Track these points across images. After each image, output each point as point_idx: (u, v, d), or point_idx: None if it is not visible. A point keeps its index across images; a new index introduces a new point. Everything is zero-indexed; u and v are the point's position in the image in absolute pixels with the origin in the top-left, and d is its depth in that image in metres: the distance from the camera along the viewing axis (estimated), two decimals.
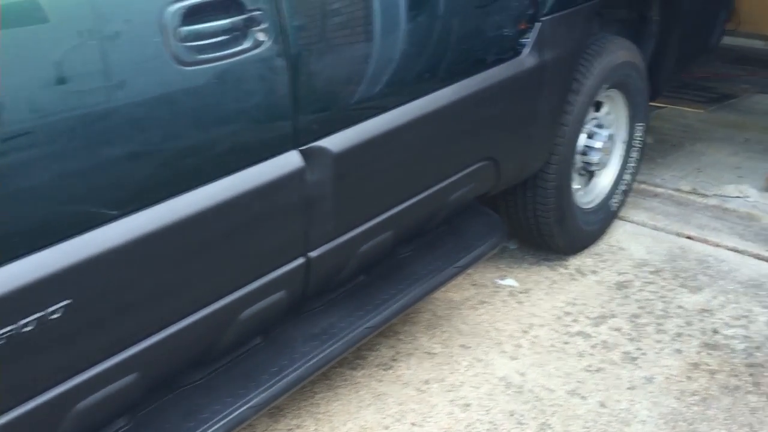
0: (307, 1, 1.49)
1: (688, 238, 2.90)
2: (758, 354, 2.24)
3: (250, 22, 1.40)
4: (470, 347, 2.33)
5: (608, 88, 2.61)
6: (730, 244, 2.84)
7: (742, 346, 2.28)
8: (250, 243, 1.51)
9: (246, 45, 1.40)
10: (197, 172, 1.39)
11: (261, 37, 1.42)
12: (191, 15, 1.31)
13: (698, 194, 3.24)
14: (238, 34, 1.39)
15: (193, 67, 1.32)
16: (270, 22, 1.42)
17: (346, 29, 1.59)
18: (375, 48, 1.65)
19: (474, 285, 2.66)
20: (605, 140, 2.65)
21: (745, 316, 2.42)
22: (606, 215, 2.85)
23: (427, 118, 1.81)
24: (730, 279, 2.62)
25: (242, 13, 1.39)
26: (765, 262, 2.72)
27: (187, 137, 1.35)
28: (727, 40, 5.97)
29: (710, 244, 2.85)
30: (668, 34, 2.85)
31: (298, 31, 1.48)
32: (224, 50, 1.36)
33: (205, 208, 1.39)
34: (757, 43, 5.95)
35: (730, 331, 2.35)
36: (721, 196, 3.20)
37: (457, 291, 2.61)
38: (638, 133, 2.85)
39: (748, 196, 3.17)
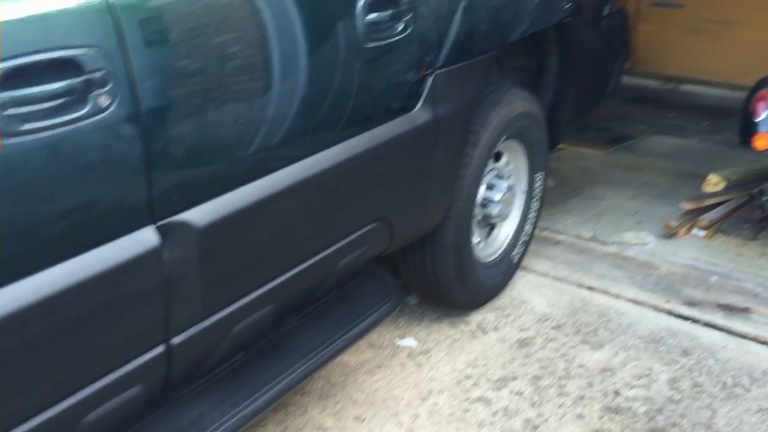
0: (163, 59, 1.31)
1: (589, 288, 2.85)
2: (659, 417, 2.17)
3: (90, 85, 1.20)
4: (365, 419, 2.16)
5: (507, 139, 2.54)
6: (630, 295, 2.80)
7: (643, 408, 2.21)
8: (94, 335, 1.29)
9: (85, 110, 1.20)
10: (25, 258, 1.17)
11: (104, 100, 1.22)
12: (12, 79, 1.10)
13: (598, 241, 3.21)
14: (75, 98, 1.19)
15: (15, 139, 1.11)
16: (116, 83, 1.23)
17: (210, 88, 1.41)
18: (246, 108, 1.48)
19: (371, 346, 2.50)
20: (505, 192, 2.57)
21: (646, 375, 2.36)
22: (508, 267, 2.76)
23: (308, 182, 1.65)
24: (630, 334, 2.57)
25: (80, 75, 1.19)
26: (663, 314, 2.70)
27: (11, 218, 1.13)
28: (624, 80, 6.14)
29: (611, 296, 2.81)
30: (566, 82, 2.82)
31: (151, 92, 1.29)
32: (56, 118, 1.16)
33: (35, 299, 1.18)
34: (652, 83, 6.15)
35: (631, 392, 2.28)
36: (621, 243, 3.19)
37: (354, 354, 2.45)
38: (538, 183, 2.78)
39: (646, 243, 3.17)
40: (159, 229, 1.36)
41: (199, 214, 1.42)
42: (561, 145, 4.27)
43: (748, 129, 3.01)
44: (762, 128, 2.96)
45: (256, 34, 1.49)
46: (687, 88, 5.96)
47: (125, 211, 1.30)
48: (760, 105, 2.99)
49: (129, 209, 1.31)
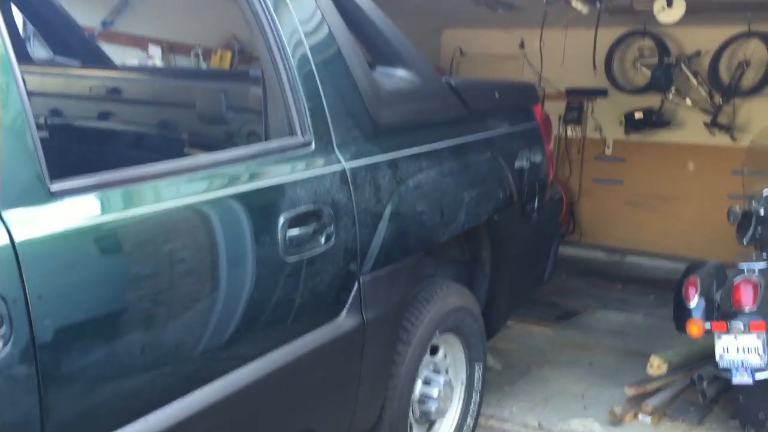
0: (64, 299, 1.31)
1: None
2: None
3: None
4: None
5: (442, 333, 2.54)
6: None
7: None
8: None
9: None
10: None
11: None
12: None
13: (544, 430, 3.14)
14: None
15: None
16: (10, 325, 1.22)
17: (115, 321, 1.40)
18: (154, 335, 1.47)
19: None
20: (443, 386, 2.53)
21: None
22: None
23: (222, 404, 1.61)
24: None
25: None
26: None
27: None
28: (572, 252, 6.34)
29: None
30: (500, 274, 2.88)
31: (51, 331, 1.27)
32: None
33: None
34: (599, 254, 6.35)
35: None
36: (567, 431, 3.12)
37: None
38: (478, 374, 2.76)
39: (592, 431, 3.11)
40: None
41: None
42: (509, 323, 4.30)
43: (682, 315, 3.07)
44: (695, 314, 3.02)
45: (166, 259, 1.50)
46: (632, 259, 6.15)
47: None
48: (691, 290, 3.08)
49: None
